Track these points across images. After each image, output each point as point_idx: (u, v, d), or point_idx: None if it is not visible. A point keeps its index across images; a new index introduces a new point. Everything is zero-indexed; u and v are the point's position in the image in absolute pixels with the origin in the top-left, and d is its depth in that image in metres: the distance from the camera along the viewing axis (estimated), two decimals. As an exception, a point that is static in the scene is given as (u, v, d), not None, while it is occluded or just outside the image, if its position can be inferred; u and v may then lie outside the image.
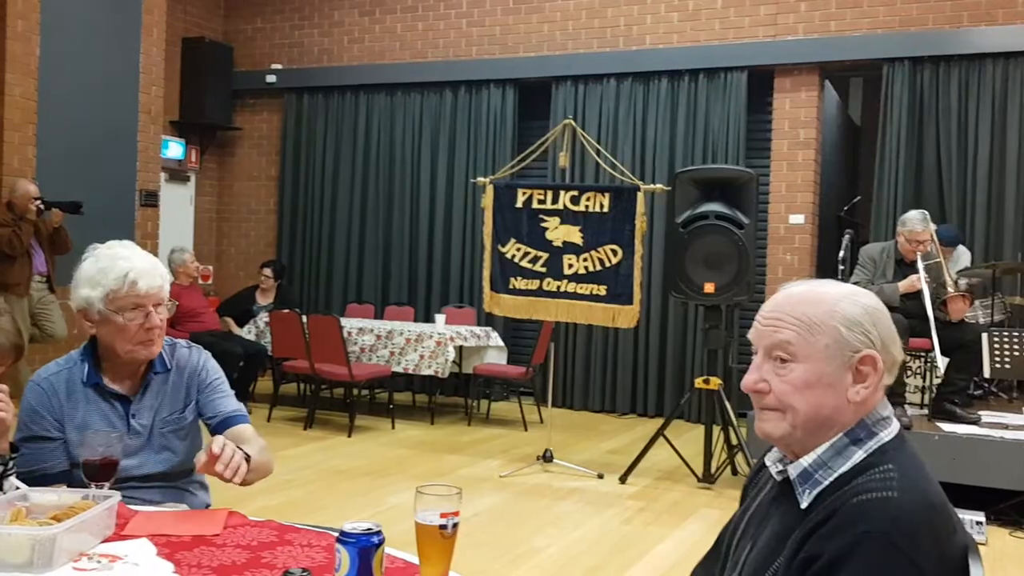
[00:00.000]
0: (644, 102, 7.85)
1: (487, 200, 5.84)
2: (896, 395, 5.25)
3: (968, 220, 6.91)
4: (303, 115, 9.24)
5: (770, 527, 1.42)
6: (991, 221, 6.87)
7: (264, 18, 9.50)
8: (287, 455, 5.90)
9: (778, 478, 1.46)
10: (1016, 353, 4.75)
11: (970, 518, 4.57)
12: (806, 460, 1.39)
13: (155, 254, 2.62)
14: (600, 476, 5.55)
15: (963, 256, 6.55)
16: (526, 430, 6.95)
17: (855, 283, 5.42)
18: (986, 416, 5.46)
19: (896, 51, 7.06)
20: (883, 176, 7.15)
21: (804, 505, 1.36)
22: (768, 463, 1.52)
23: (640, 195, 5.57)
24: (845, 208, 9.27)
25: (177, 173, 9.27)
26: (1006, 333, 4.82)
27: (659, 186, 5.94)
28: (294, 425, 6.85)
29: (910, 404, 5.49)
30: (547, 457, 5.68)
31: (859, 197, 9.33)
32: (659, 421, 5.82)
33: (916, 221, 5.36)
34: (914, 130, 7.08)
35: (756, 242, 7.42)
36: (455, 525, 1.49)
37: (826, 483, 1.37)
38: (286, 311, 7.01)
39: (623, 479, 5.48)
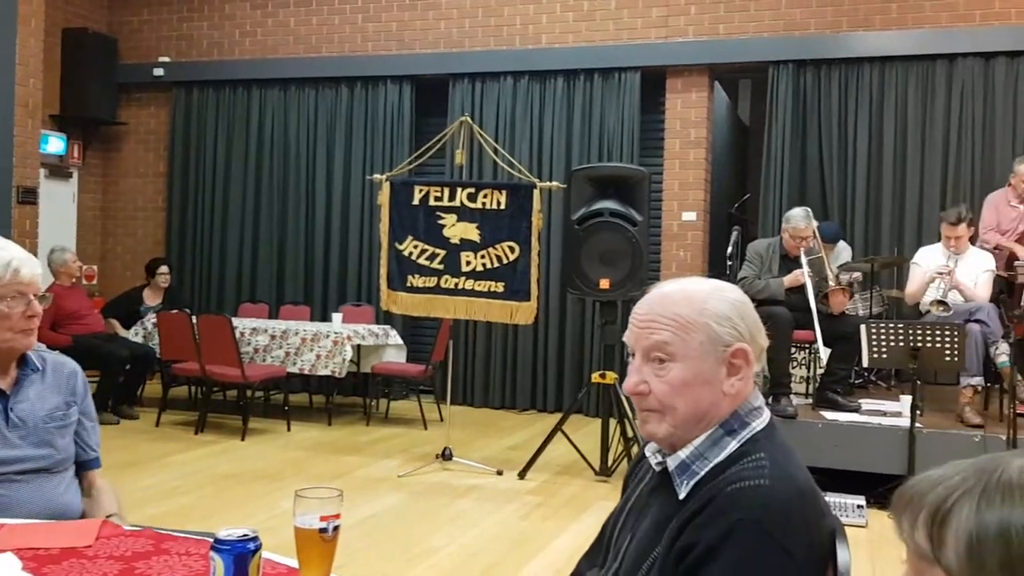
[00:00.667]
0: (541, 100, 7.91)
1: (383, 197, 5.79)
2: (782, 385, 5.44)
3: (848, 217, 7.21)
4: (193, 110, 8.96)
5: (649, 517, 1.45)
6: (869, 218, 7.20)
7: (151, 9, 9.17)
8: (176, 460, 5.72)
9: (657, 469, 1.49)
10: (892, 343, 4.98)
11: (852, 502, 4.78)
12: (684, 452, 1.42)
13: (34, 253, 2.58)
14: (499, 473, 5.57)
15: (844, 251, 6.84)
16: (426, 429, 6.92)
17: (743, 278, 5.61)
18: (866, 404, 5.71)
19: (781, 54, 7.32)
20: (769, 174, 7.40)
21: (682, 496, 1.39)
22: (648, 454, 1.55)
23: (536, 192, 5.61)
24: (736, 205, 9.57)
25: (58, 169, 8.85)
26: (883, 324, 5.05)
27: (555, 184, 6.00)
28: (184, 429, 6.64)
29: (795, 394, 5.70)
30: (446, 455, 5.67)
31: (749, 195, 9.64)
32: (559, 416, 5.88)
33: (799, 218, 5.57)
34: (798, 130, 7.36)
35: (649, 239, 7.65)
36: (336, 528, 1.47)
37: (702, 473, 1.40)
38: (175, 312, 6.78)
39: (522, 475, 5.51)
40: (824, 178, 7.32)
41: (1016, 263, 5.84)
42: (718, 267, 7.44)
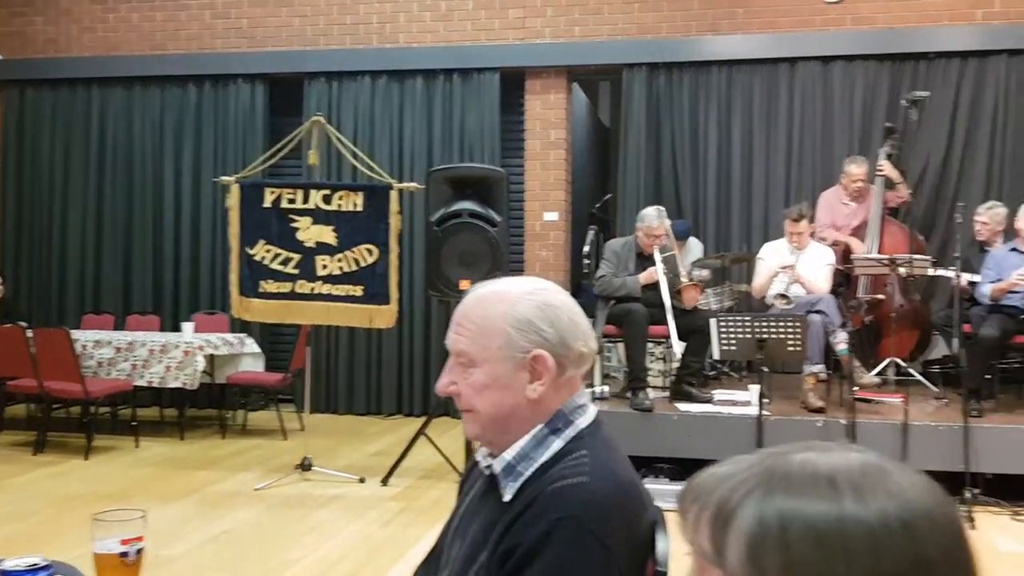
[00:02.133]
0: (400, 100, 7.82)
1: (232, 200, 5.56)
2: (639, 379, 5.56)
3: (700, 215, 7.45)
4: (27, 110, 8.40)
5: (477, 522, 1.44)
6: (720, 216, 7.45)
7: (-23, 3, 8.54)
8: (12, 484, 5.34)
9: (486, 472, 1.48)
10: (740, 335, 5.15)
11: (706, 491, 4.91)
12: (509, 454, 1.42)
13: None
14: (362, 480, 5.45)
15: (695, 248, 7.06)
16: (286, 439, 6.71)
17: (600, 276, 5.70)
18: (719, 394, 5.91)
19: (634, 57, 7.48)
20: (626, 175, 7.56)
21: (507, 498, 1.38)
22: (479, 458, 1.54)
23: (394, 194, 5.53)
24: (597, 205, 9.74)
25: None
26: (731, 318, 5.21)
27: (412, 184, 5.92)
28: (22, 451, 6.20)
29: (652, 387, 5.82)
30: (306, 465, 5.50)
31: (610, 195, 9.83)
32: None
33: (652, 217, 5.70)
34: (652, 131, 7.54)
35: (513, 239, 7.69)
36: (139, 551, 1.36)
37: (527, 474, 1.40)
38: (8, 325, 6.32)
39: (385, 481, 5.42)
40: (677, 177, 7.53)
41: (853, 256, 6.17)
42: (580, 266, 7.53)
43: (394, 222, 5.49)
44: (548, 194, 7.74)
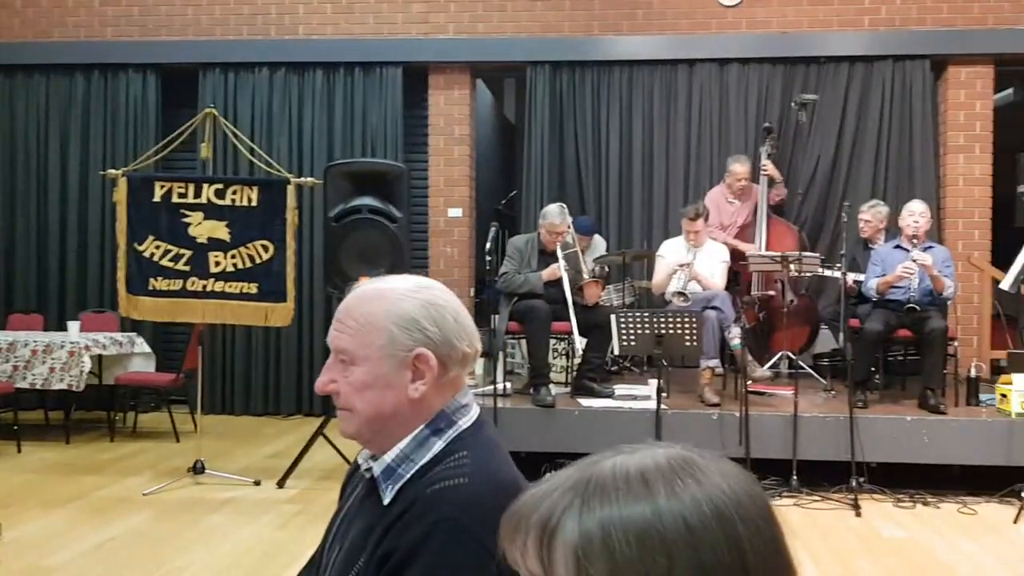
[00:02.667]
0: (300, 94, 7.65)
1: (120, 194, 5.34)
2: (542, 376, 5.58)
3: (603, 212, 7.53)
4: None
5: (356, 526, 1.41)
6: (622, 213, 7.55)
7: None
8: None
9: (367, 476, 1.44)
10: (639, 331, 5.22)
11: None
12: (389, 456, 1.39)
13: None
14: (257, 483, 5.31)
15: (598, 244, 7.13)
16: (178, 442, 6.48)
17: (503, 273, 5.69)
18: (620, 389, 5.97)
19: (538, 55, 7.51)
20: (530, 171, 7.58)
21: (386, 501, 1.36)
22: (360, 461, 1.50)
23: (291, 188, 5.41)
24: (503, 202, 9.74)
25: None
26: (631, 314, 5.28)
27: (310, 179, 5.81)
28: None
29: (555, 383, 5.85)
30: (198, 468, 5.32)
31: (515, 191, 9.84)
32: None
33: (554, 215, 5.72)
34: (556, 129, 7.58)
35: (417, 235, 7.62)
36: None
37: (407, 476, 1.37)
38: None
39: (281, 483, 5.29)
40: (580, 175, 7.59)
41: (748, 254, 6.33)
42: (484, 262, 7.52)
43: (291, 217, 5.37)
44: (452, 190, 7.70)
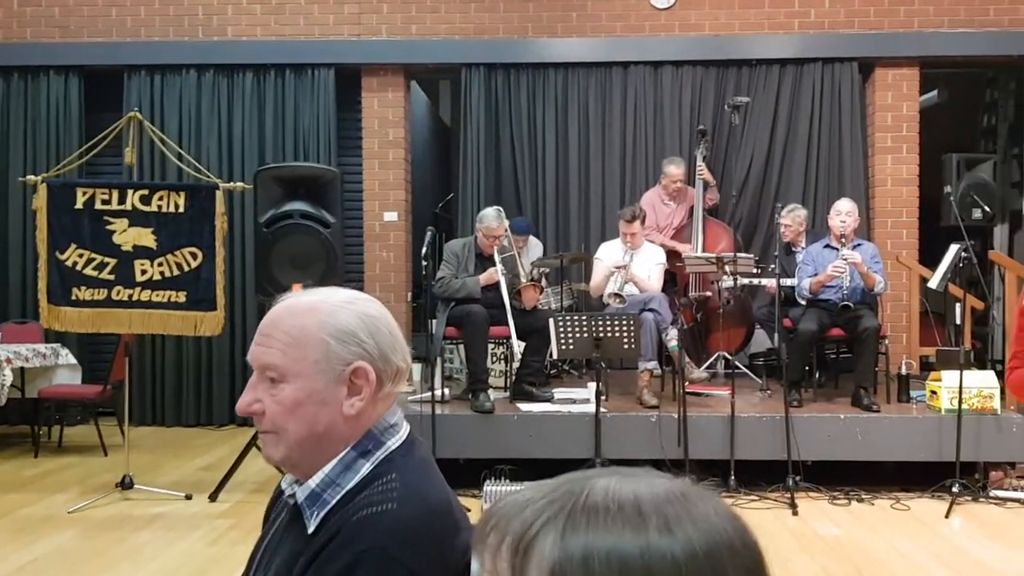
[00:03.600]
0: (229, 96, 7.48)
1: (39, 201, 5.13)
2: (480, 381, 5.52)
3: (540, 214, 7.51)
4: None
5: (281, 554, 1.34)
6: (559, 215, 7.54)
7: None
8: None
9: (290, 503, 1.37)
10: (577, 334, 5.20)
11: (545, 490, 4.93)
12: (314, 481, 1.32)
13: None
14: (188, 497, 5.14)
15: (535, 247, 7.10)
16: (106, 455, 6.26)
17: (440, 278, 5.63)
18: (559, 393, 5.96)
19: (473, 57, 7.45)
20: (467, 174, 7.52)
21: (311, 529, 1.29)
22: (284, 486, 1.43)
23: (219, 194, 5.25)
24: (440, 205, 9.67)
25: None
26: (568, 317, 5.26)
27: (239, 184, 5.66)
28: None
29: (493, 388, 5.80)
30: (127, 483, 5.14)
31: (452, 194, 9.78)
32: (255, 430, 5.55)
33: (491, 218, 5.67)
34: (492, 131, 7.54)
35: (352, 240, 7.51)
36: None
37: (333, 502, 1.31)
38: None
39: (213, 497, 5.14)
40: (517, 177, 7.56)
41: (684, 255, 6.37)
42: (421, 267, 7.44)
43: (220, 224, 5.22)
44: (387, 194, 7.60)
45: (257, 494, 5.26)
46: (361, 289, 7.29)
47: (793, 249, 6.27)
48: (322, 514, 1.29)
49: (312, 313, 1.32)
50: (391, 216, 7.61)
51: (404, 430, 1.39)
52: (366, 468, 1.32)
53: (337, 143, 7.49)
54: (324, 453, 1.32)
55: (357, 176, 7.59)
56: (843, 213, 5.69)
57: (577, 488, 0.66)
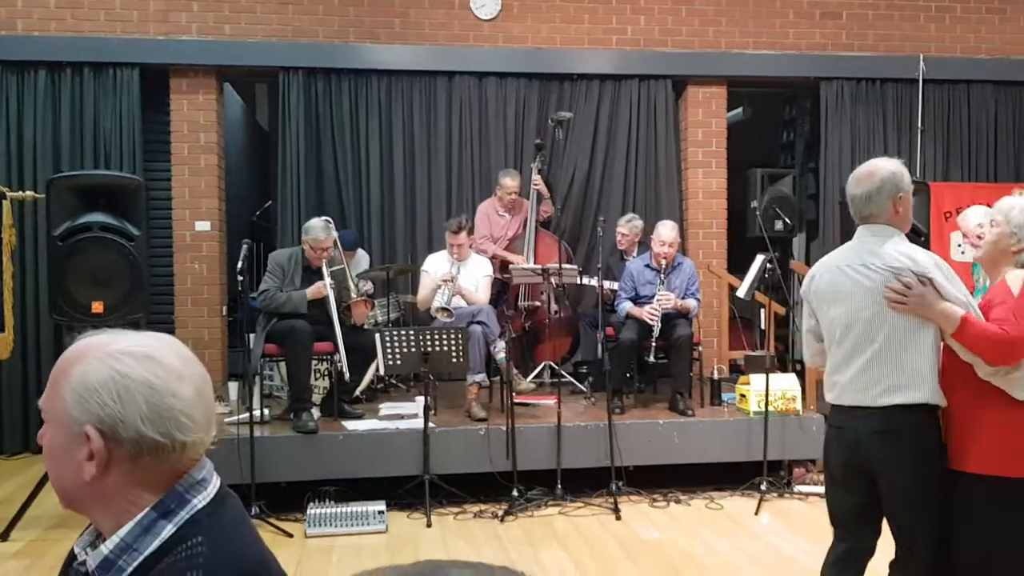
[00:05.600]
0: (19, 96, 6.83)
1: None
2: (303, 400, 5.32)
3: (365, 225, 7.33)
4: None
5: None
6: (384, 226, 7.39)
7: None
8: None
9: (81, 570, 1.23)
10: (405, 349, 5.11)
11: (372, 508, 4.82)
12: (107, 546, 1.19)
13: None
14: (-27, 539, 4.64)
15: (362, 259, 6.94)
16: None
17: (264, 290, 5.37)
18: (385, 408, 5.84)
19: (291, 60, 7.17)
20: (286, 182, 7.24)
21: None
22: (76, 550, 1.29)
23: (7, 204, 4.80)
24: (258, 213, 9.27)
25: None
26: (396, 332, 5.16)
27: (30, 193, 5.19)
28: None
29: (317, 407, 5.59)
30: None
31: (271, 202, 9.40)
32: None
33: (318, 229, 5.48)
34: (312, 138, 7.29)
35: (161, 251, 7.06)
36: None
37: (129, 570, 1.17)
38: None
39: (5, 535, 4.66)
40: (340, 187, 7.35)
41: (511, 267, 6.40)
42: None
43: (7, 237, 4.76)
44: (199, 202, 7.19)
45: (56, 530, 4.82)
46: (171, 304, 6.88)
47: (625, 257, 6.48)
48: None
49: (78, 359, 1.21)
50: (203, 226, 7.21)
51: (214, 486, 1.28)
52: (168, 530, 1.19)
53: (143, 148, 7.01)
54: (108, 509, 1.20)
55: (166, 183, 7.14)
56: (666, 244, 5.82)
57: (427, 570, 0.61)
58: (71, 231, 4.78)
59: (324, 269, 5.50)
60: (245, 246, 5.05)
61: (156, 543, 1.19)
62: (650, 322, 5.63)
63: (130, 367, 1.19)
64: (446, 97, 7.41)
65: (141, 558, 1.18)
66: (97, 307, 4.82)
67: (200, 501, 1.24)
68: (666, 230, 5.88)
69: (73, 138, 6.87)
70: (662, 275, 5.81)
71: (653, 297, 5.73)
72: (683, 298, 5.81)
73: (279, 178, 7.30)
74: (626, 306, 5.86)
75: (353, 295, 5.62)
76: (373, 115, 7.34)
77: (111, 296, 4.85)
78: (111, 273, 4.82)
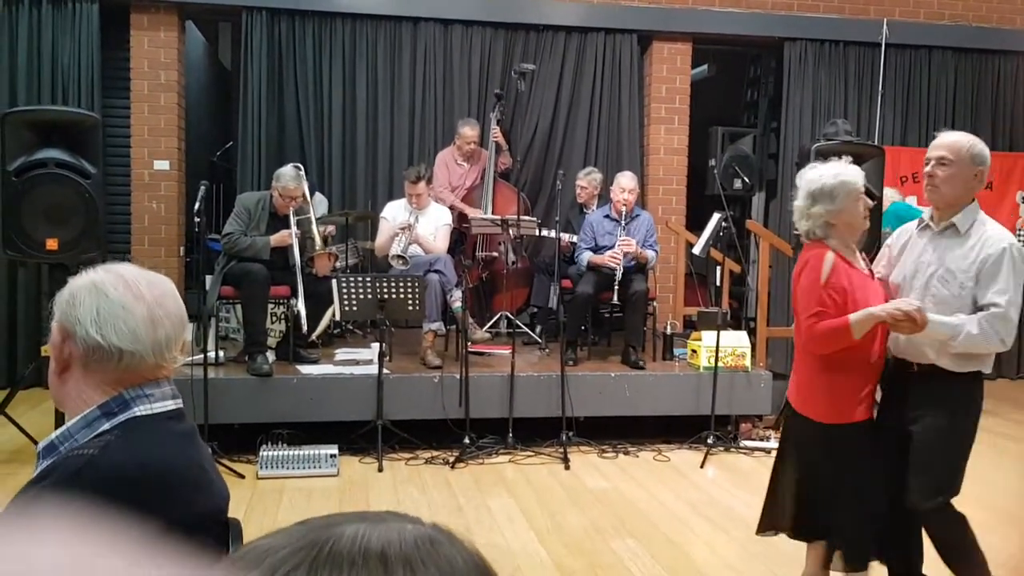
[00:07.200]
0: (-28, 26, 6.66)
1: None
2: (258, 344, 5.35)
3: (326, 170, 7.30)
4: None
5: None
6: (345, 172, 7.36)
7: None
8: None
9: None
10: (361, 296, 5.15)
11: (325, 452, 4.89)
12: (55, 434, 1.38)
13: None
14: (-77, 473, 4.65)
15: (320, 204, 6.92)
16: None
17: (228, 233, 5.37)
18: (341, 353, 5.89)
19: (253, 0, 7.05)
20: (248, 123, 7.16)
21: (34, 475, 1.35)
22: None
23: (-43, 137, 4.69)
24: (219, 153, 9.16)
25: None
26: (352, 278, 5.19)
27: (-17, 128, 5.06)
28: None
29: (272, 350, 5.63)
30: None
31: (232, 142, 9.29)
32: (5, 394, 5.07)
33: (289, 178, 5.45)
34: (275, 79, 7.20)
35: (119, 189, 6.98)
36: None
37: (64, 455, 1.35)
38: None
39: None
40: (302, 129, 7.29)
41: (471, 217, 6.44)
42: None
43: (-42, 171, 4.67)
44: (158, 140, 7.09)
45: (6, 465, 4.84)
46: (128, 244, 6.82)
47: (585, 210, 6.54)
48: (47, 463, 1.34)
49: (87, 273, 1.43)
50: (162, 165, 7.13)
51: (164, 404, 1.43)
52: (104, 426, 1.36)
53: (102, 85, 6.88)
54: (71, 407, 1.40)
55: (124, 121, 7.04)
56: (626, 190, 5.92)
57: (322, 535, 0.63)
58: (26, 166, 4.71)
59: (291, 217, 5.48)
60: (203, 187, 5.01)
61: (91, 436, 1.35)
62: (613, 265, 5.71)
63: (100, 279, 1.37)
64: (411, 43, 7.34)
65: (75, 446, 1.34)
66: (51, 244, 4.79)
67: (142, 411, 1.39)
68: (626, 179, 5.98)
69: (30, 73, 6.72)
70: (622, 225, 5.89)
71: (613, 247, 5.80)
72: (641, 249, 5.90)
73: (240, 119, 7.22)
74: (586, 255, 5.93)
75: (318, 246, 5.62)
76: (337, 58, 7.26)
77: (66, 233, 4.81)
78: (66, 210, 4.78)
